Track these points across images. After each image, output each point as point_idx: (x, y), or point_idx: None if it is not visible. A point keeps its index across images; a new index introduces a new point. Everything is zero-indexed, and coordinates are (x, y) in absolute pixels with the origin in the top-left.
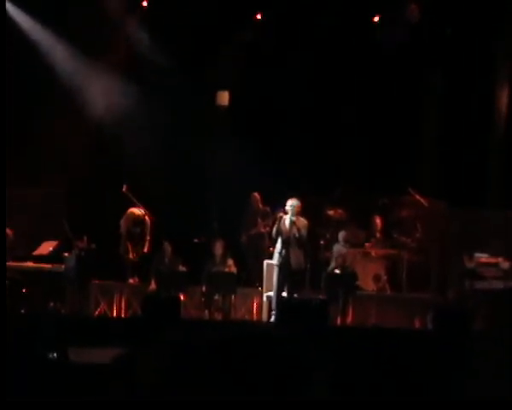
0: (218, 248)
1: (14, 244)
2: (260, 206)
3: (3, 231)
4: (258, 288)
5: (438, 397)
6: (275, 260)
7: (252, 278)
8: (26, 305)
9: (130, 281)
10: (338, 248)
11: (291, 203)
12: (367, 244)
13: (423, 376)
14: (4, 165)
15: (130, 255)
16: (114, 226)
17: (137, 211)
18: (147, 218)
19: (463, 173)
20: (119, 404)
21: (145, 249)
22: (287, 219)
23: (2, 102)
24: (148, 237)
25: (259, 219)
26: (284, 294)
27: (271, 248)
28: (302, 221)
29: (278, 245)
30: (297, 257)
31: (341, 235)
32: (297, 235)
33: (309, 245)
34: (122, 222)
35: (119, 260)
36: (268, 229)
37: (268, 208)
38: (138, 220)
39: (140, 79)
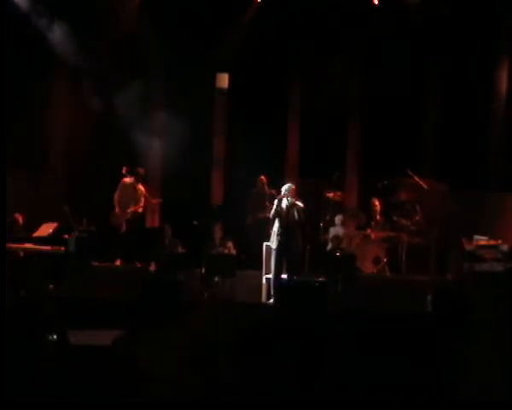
0: (218, 230)
1: (22, 230)
2: (267, 189)
3: (3, 231)
4: (258, 271)
5: (436, 380)
6: (273, 243)
7: (255, 260)
8: (26, 286)
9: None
10: (334, 230)
11: (286, 187)
12: (368, 228)
13: (422, 358)
14: (4, 163)
15: (120, 215)
16: (113, 208)
17: (128, 180)
18: (140, 185)
19: (464, 155)
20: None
21: (138, 209)
22: (284, 202)
23: (2, 96)
24: (143, 200)
25: (267, 203)
26: (283, 276)
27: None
28: (299, 204)
29: (276, 227)
30: (295, 239)
31: (338, 218)
32: (295, 217)
33: (308, 227)
34: (117, 196)
35: (118, 242)
36: None
37: (275, 191)
38: (129, 185)
39: (139, 63)
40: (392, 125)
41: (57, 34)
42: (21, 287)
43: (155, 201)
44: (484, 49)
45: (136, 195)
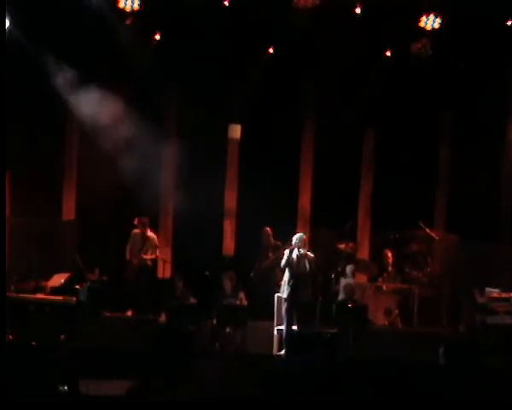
0: (228, 281)
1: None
2: (272, 240)
3: (3, 231)
4: (269, 322)
5: None
6: (284, 293)
7: (262, 311)
8: (38, 337)
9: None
10: (345, 280)
11: (298, 237)
12: (379, 280)
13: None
14: (4, 166)
15: (133, 261)
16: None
17: (137, 230)
18: (149, 233)
19: (475, 208)
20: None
21: (148, 258)
22: (295, 252)
23: (2, 105)
24: (152, 251)
25: (270, 253)
26: (294, 327)
27: (280, 281)
28: (310, 254)
29: (286, 277)
30: (306, 289)
31: (348, 268)
32: (306, 268)
33: (319, 278)
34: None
35: (129, 293)
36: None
37: (279, 243)
38: (138, 234)
39: (152, 112)
40: (404, 176)
41: (67, 78)
42: (33, 337)
43: (164, 259)
44: (496, 99)
45: (145, 244)
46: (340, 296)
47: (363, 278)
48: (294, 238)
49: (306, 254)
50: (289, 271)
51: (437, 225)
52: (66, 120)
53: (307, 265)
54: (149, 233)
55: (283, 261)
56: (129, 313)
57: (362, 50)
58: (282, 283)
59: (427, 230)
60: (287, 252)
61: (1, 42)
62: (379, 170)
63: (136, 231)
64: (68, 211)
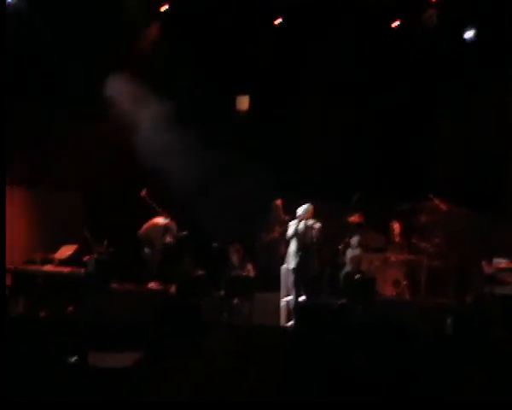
0: (236, 252)
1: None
2: (281, 213)
3: (3, 231)
4: (276, 293)
5: (454, 401)
6: (291, 264)
7: (268, 282)
8: (46, 309)
9: (152, 285)
10: (351, 252)
11: (304, 207)
12: (387, 251)
13: (441, 380)
14: (4, 165)
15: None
16: (134, 230)
17: (161, 221)
18: (171, 224)
19: (483, 178)
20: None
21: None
22: (302, 223)
23: (2, 105)
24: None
25: (277, 226)
26: (302, 298)
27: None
28: (316, 225)
29: (293, 248)
30: (312, 260)
31: (354, 239)
32: (313, 238)
33: (326, 249)
34: (144, 231)
35: (138, 264)
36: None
37: (288, 217)
38: (163, 229)
39: (159, 85)
40: (412, 147)
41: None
42: (41, 309)
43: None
44: (502, 70)
45: (166, 234)
46: (347, 268)
47: (369, 250)
48: (301, 209)
49: (313, 224)
50: (297, 241)
51: (445, 197)
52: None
53: (313, 235)
54: (171, 224)
55: (290, 232)
56: (137, 285)
57: (370, 21)
58: (288, 254)
59: (436, 201)
60: (294, 223)
61: (1, 42)
62: (387, 140)
63: (159, 221)
64: (77, 183)
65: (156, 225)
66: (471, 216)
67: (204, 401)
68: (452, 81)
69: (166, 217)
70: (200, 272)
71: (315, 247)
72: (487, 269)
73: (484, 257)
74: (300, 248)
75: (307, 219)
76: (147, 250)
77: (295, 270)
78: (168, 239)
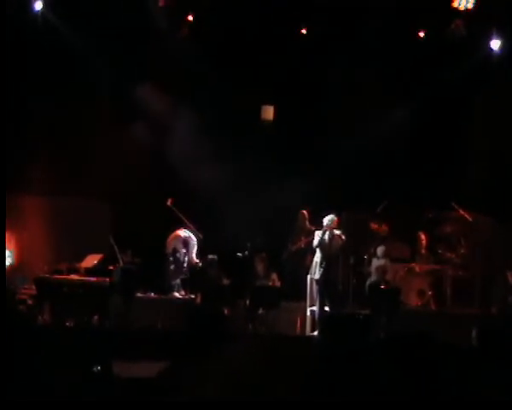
0: (261, 262)
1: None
2: (307, 224)
3: (3, 231)
4: (301, 303)
5: None
6: (316, 274)
7: (294, 292)
8: (72, 318)
9: (176, 294)
10: (375, 262)
11: (329, 218)
12: (413, 262)
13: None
14: (4, 167)
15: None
16: (159, 240)
17: (183, 233)
18: (192, 237)
19: (509, 188)
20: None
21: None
22: (327, 234)
23: (3, 104)
24: (194, 256)
25: (303, 237)
26: (326, 308)
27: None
28: (341, 236)
29: (318, 259)
30: (338, 271)
31: (379, 250)
32: (337, 249)
33: (352, 259)
34: (168, 243)
35: (163, 274)
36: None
37: (313, 227)
38: (184, 242)
39: (186, 95)
40: (438, 157)
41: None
42: (67, 318)
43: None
44: None
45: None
46: (373, 278)
47: (395, 260)
48: (326, 219)
49: (338, 235)
50: (321, 252)
51: (471, 207)
52: (106, 105)
53: (338, 246)
54: (190, 239)
55: (315, 242)
56: (162, 294)
57: (396, 30)
58: (313, 264)
59: (461, 211)
60: (319, 233)
61: (1, 41)
62: (413, 150)
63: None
64: (103, 193)
65: (177, 237)
66: (496, 226)
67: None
68: (477, 92)
69: (189, 229)
70: (226, 282)
71: (340, 257)
72: None
73: (509, 267)
74: (325, 259)
75: (332, 229)
76: (172, 259)
77: (320, 280)
78: (194, 259)
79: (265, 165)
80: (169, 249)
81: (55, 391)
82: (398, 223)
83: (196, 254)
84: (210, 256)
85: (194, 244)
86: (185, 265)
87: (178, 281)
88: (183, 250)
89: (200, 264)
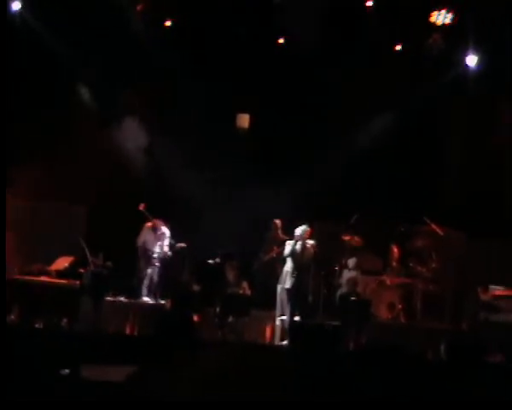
0: (232, 270)
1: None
2: (280, 233)
3: (3, 231)
4: (271, 312)
5: None
6: (286, 284)
7: (264, 301)
8: (41, 320)
9: (146, 299)
10: (346, 274)
11: (301, 229)
12: (383, 274)
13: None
14: (4, 167)
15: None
16: (131, 244)
17: (154, 224)
18: (163, 229)
19: (481, 204)
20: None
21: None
22: (298, 244)
23: (2, 107)
24: (166, 247)
25: (275, 247)
26: (296, 318)
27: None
28: (313, 246)
29: (289, 268)
30: (308, 281)
31: (351, 261)
32: (308, 259)
33: (323, 271)
34: (140, 235)
35: (134, 278)
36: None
37: (286, 238)
38: (155, 233)
39: (163, 100)
40: (412, 171)
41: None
42: (37, 319)
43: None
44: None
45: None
46: (343, 289)
47: (366, 272)
48: (298, 230)
49: (311, 245)
50: (293, 262)
51: (443, 221)
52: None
53: (311, 256)
54: (161, 228)
55: (286, 251)
56: (132, 299)
57: (374, 44)
58: (284, 273)
59: (433, 225)
60: (290, 242)
61: (1, 41)
62: (388, 162)
63: (149, 225)
64: (77, 196)
65: (148, 228)
66: (467, 242)
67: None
68: (452, 106)
69: (160, 224)
70: (196, 288)
71: (311, 267)
72: (483, 296)
73: (480, 283)
74: (296, 268)
75: (304, 239)
76: (142, 263)
77: (291, 289)
78: (165, 249)
79: (239, 173)
80: (140, 241)
81: (24, 392)
82: (371, 235)
83: (168, 246)
84: (179, 244)
85: (165, 235)
86: (155, 256)
87: (146, 282)
88: (153, 240)
89: (170, 254)
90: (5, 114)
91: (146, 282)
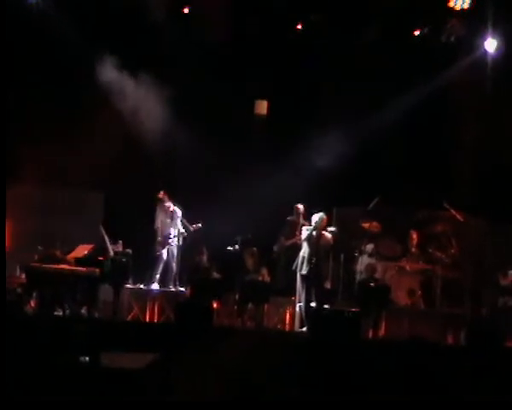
0: (251, 256)
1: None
2: (301, 219)
3: (3, 230)
4: (291, 298)
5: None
6: (303, 270)
7: (283, 287)
8: (60, 308)
9: (158, 286)
10: (365, 260)
11: (319, 216)
12: (403, 260)
13: (455, 390)
14: (5, 164)
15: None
16: (151, 232)
17: (167, 205)
18: (177, 209)
19: (501, 189)
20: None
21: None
22: (316, 231)
23: (2, 101)
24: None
25: (297, 232)
26: (313, 304)
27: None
28: (329, 234)
29: (306, 254)
30: (326, 268)
31: (369, 247)
32: (325, 246)
33: (342, 257)
34: (155, 220)
35: (153, 265)
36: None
37: (307, 223)
38: (169, 213)
39: (179, 87)
40: (433, 156)
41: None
42: (56, 308)
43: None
44: None
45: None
46: (362, 276)
47: (385, 258)
48: (316, 216)
49: (326, 233)
50: (310, 248)
51: (463, 207)
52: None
53: (326, 243)
54: (173, 209)
55: (303, 236)
56: (154, 287)
57: (392, 28)
58: (300, 259)
59: (453, 211)
60: (307, 228)
61: (1, 41)
62: (405, 147)
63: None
64: (96, 182)
65: (162, 209)
66: (487, 227)
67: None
68: (473, 92)
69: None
70: (216, 275)
71: (329, 254)
72: (503, 281)
73: (499, 269)
74: (313, 255)
75: (322, 226)
76: (159, 247)
77: (307, 276)
78: (181, 230)
79: (258, 159)
80: (157, 223)
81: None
82: (390, 221)
83: (183, 226)
84: (194, 225)
85: (176, 214)
86: (171, 236)
87: (161, 269)
88: (168, 220)
89: (186, 234)
90: (4, 113)
91: (161, 268)
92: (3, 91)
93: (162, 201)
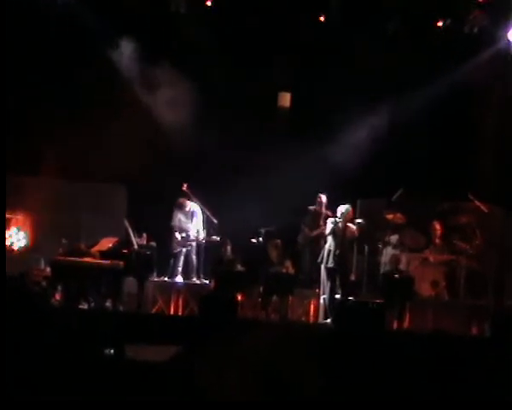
0: (274, 248)
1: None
2: (324, 209)
3: (3, 230)
4: (315, 290)
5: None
6: (328, 263)
7: (307, 279)
8: (85, 301)
9: (180, 279)
10: (389, 251)
11: (344, 208)
12: (426, 251)
13: (480, 382)
14: (4, 162)
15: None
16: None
17: (186, 204)
18: (196, 210)
19: None
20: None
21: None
22: (340, 223)
23: (2, 98)
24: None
25: (321, 222)
26: (337, 296)
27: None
28: (354, 226)
29: (331, 247)
30: (348, 260)
31: (393, 239)
32: (351, 238)
33: (366, 248)
34: (173, 217)
35: (171, 259)
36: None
37: (331, 213)
38: (188, 213)
39: (202, 79)
40: (456, 147)
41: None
42: (81, 301)
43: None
44: None
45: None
46: (386, 267)
47: (409, 250)
48: (341, 208)
49: (351, 225)
50: (334, 240)
51: (487, 198)
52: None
53: (353, 234)
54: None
55: (328, 230)
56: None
57: (415, 18)
58: (326, 251)
59: (477, 202)
60: (332, 220)
61: (1, 41)
62: (430, 139)
63: (186, 202)
64: (120, 176)
65: (179, 205)
66: (511, 218)
67: (237, 400)
68: (493, 82)
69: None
70: (240, 268)
71: (353, 246)
72: None
73: None
74: (338, 247)
75: (348, 219)
76: (176, 244)
77: (332, 269)
78: (200, 233)
79: (281, 152)
80: (175, 221)
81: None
82: (414, 212)
83: (202, 228)
84: (213, 237)
85: (195, 213)
86: (191, 237)
87: (181, 263)
88: (187, 221)
89: (204, 241)
90: (5, 112)
91: (181, 261)
92: (3, 92)
93: (182, 201)
